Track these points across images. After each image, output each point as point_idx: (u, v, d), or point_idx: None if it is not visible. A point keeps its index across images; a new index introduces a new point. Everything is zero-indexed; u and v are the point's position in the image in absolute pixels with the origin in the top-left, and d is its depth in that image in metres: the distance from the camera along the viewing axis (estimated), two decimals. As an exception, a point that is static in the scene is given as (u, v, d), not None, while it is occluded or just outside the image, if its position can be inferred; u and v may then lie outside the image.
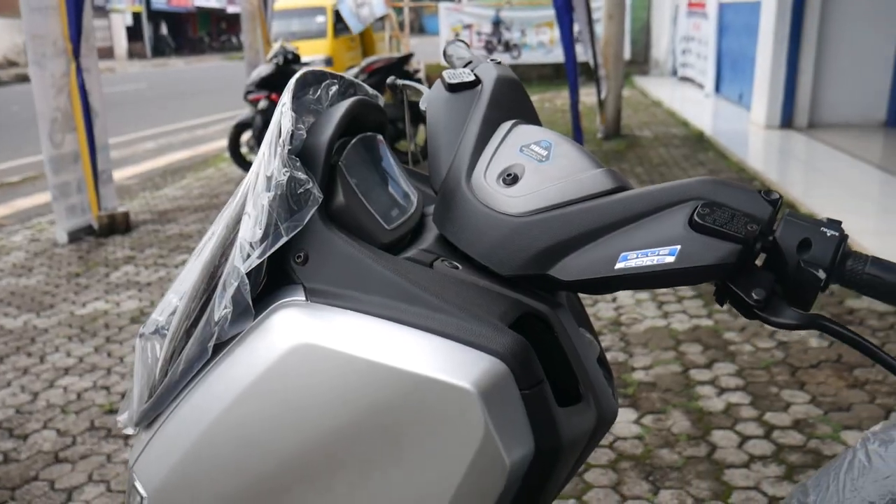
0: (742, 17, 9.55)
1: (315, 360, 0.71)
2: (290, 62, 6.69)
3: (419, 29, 50.19)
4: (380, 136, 0.94)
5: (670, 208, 0.73)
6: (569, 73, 5.96)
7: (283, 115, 0.76)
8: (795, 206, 5.13)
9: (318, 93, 0.87)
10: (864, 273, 0.72)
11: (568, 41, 5.80)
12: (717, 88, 10.83)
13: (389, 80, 1.13)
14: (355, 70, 7.02)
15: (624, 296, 3.78)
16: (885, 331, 3.22)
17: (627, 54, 13.63)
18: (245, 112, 6.90)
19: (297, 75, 0.85)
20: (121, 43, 33.30)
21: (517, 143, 0.84)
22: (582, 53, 7.95)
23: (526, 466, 0.70)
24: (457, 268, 0.79)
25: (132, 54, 33.45)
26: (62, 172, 5.15)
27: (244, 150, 6.91)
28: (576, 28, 7.92)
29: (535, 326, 0.79)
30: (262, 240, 0.72)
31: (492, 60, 1.01)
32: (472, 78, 0.94)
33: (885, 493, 0.88)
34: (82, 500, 2.40)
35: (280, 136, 0.75)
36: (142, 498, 0.82)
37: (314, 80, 0.87)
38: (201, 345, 0.76)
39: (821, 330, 0.71)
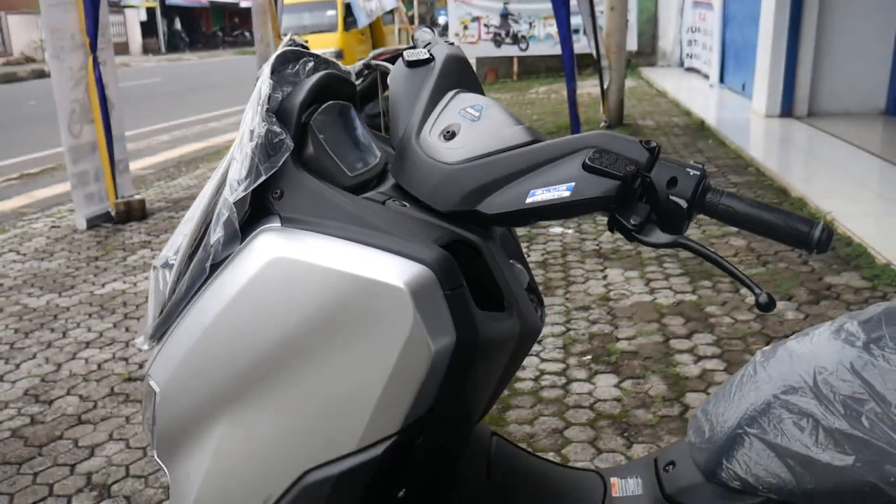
0: (745, 7, 9.66)
1: (287, 270, 0.91)
2: (299, 55, 6.89)
3: (431, 22, 50.41)
4: (350, 105, 1.14)
5: (571, 155, 0.93)
6: (565, 64, 6.14)
7: (263, 81, 0.98)
8: (788, 190, 5.28)
9: (296, 68, 1.07)
10: (720, 204, 0.90)
11: (565, 32, 5.98)
12: (722, 79, 10.94)
13: (365, 59, 1.33)
14: (363, 62, 7.20)
15: (614, 274, 3.96)
16: (858, 304, 3.38)
17: (634, 45, 13.74)
18: (256, 104, 7.10)
19: (276, 52, 1.05)
20: (135, 38, 33.68)
21: (457, 107, 1.04)
22: (587, 45, 8.12)
23: (449, 355, 0.89)
24: (405, 206, 0.99)
25: (147, 49, 33.82)
26: (81, 162, 5.38)
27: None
28: (578, 20, 8.08)
29: (470, 255, 0.98)
30: (246, 178, 0.92)
31: (445, 41, 1.20)
32: (427, 56, 1.14)
33: (760, 396, 1.07)
34: (104, 455, 2.62)
35: (259, 98, 0.96)
36: (155, 393, 1.02)
37: (293, 57, 1.08)
38: (200, 265, 0.96)
39: (683, 248, 0.90)
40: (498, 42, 13.99)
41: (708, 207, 0.91)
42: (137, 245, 5.02)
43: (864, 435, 0.95)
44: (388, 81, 1.16)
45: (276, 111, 0.98)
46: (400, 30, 16.33)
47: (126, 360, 3.34)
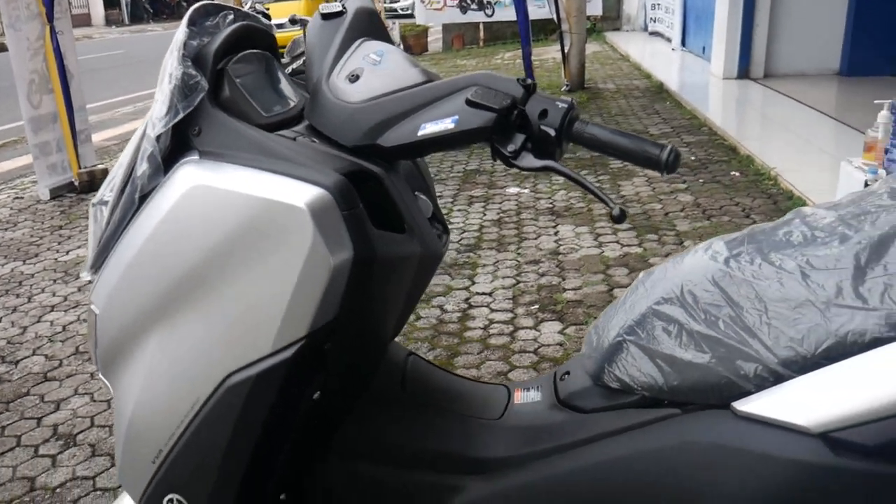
0: (705, -30, 9.77)
1: (204, 196, 1.02)
2: (259, 23, 6.90)
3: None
4: (271, 56, 1.25)
5: (457, 92, 1.05)
6: (520, 27, 6.26)
7: (179, 30, 1.08)
8: (737, 148, 5.44)
9: (216, 20, 1.18)
10: (585, 133, 1.03)
11: (519, -3, 6.07)
12: (684, 42, 11.08)
13: (291, 16, 1.43)
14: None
15: (565, 230, 4.10)
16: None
17: (599, 10, 13.80)
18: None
19: (196, 5, 1.15)
20: (97, 10, 32.99)
21: (362, 54, 1.15)
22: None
23: (348, 268, 1.01)
24: (314, 141, 1.11)
25: (109, 21, 33.12)
26: (41, 132, 5.40)
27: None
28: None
29: (374, 184, 1.11)
30: (166, 115, 1.04)
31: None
32: (339, 9, 1.25)
33: (638, 309, 1.21)
34: (69, 408, 2.73)
35: (177, 45, 1.07)
36: (95, 316, 1.14)
37: (214, 10, 1.18)
38: (130, 197, 1.08)
39: (552, 171, 1.03)
40: (464, 8, 13.97)
41: (575, 135, 1.03)
42: (101, 213, 5.07)
43: (719, 335, 1.09)
44: (306, 33, 1.27)
45: (194, 57, 1.09)
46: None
47: (90, 321, 3.43)
